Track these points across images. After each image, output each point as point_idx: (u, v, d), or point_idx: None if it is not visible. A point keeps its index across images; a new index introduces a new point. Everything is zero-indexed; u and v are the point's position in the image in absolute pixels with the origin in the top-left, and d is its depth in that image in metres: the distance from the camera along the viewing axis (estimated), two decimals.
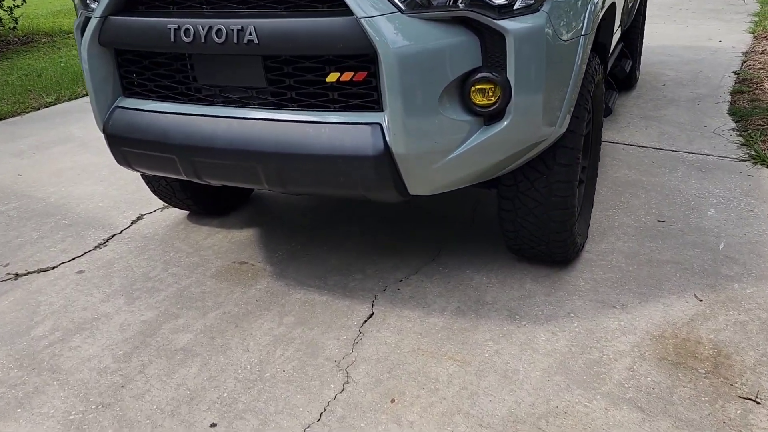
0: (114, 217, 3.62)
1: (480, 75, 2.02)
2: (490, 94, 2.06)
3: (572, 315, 2.46)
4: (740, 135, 4.21)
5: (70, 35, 9.28)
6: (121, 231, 3.46)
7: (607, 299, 2.55)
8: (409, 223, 3.31)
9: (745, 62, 6.06)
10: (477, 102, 2.07)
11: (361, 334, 2.45)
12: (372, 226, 3.31)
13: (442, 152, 2.10)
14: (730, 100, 5.00)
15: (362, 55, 2.03)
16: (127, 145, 2.46)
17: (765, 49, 6.45)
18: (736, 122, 4.48)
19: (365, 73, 2.05)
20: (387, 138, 2.05)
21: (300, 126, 2.13)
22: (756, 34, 7.23)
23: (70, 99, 6.25)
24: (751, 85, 5.31)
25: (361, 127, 2.06)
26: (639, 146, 4.15)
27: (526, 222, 2.52)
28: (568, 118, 2.27)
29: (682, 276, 2.67)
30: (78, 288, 2.92)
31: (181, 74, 2.33)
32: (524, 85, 2.04)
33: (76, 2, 2.63)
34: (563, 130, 2.27)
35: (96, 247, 3.30)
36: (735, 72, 5.75)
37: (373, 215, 3.42)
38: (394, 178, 2.10)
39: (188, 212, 3.61)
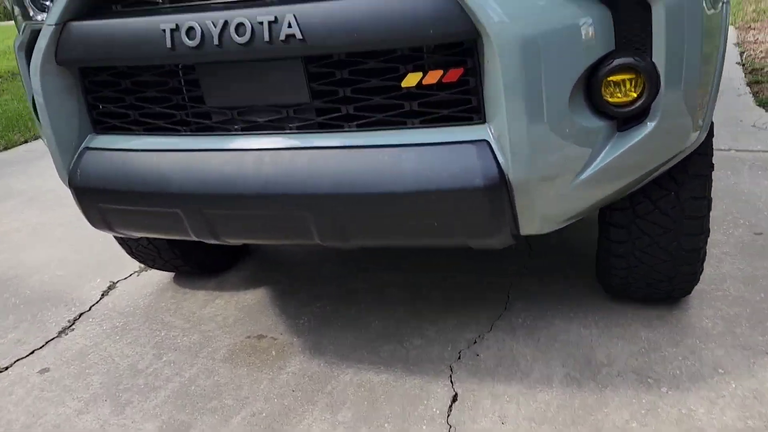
0: (79, 289, 2.87)
1: (616, 62, 1.44)
2: (630, 87, 1.48)
3: (721, 371, 1.88)
4: None
5: None
6: (91, 307, 2.71)
7: (753, 344, 1.98)
8: (451, 260, 2.69)
9: (743, 53, 5.75)
10: (612, 100, 1.48)
11: (451, 428, 1.81)
12: (408, 269, 2.68)
13: (570, 173, 1.50)
14: (750, 91, 4.62)
15: (455, 45, 1.43)
16: (105, 200, 1.76)
17: (757, 39, 6.18)
18: None
19: (460, 70, 1.44)
20: (499, 159, 1.43)
21: (368, 153, 1.49)
22: (737, 26, 7.01)
23: (6, 148, 5.41)
24: (764, 75, 4.96)
25: (460, 147, 1.44)
26: None
27: (645, 255, 1.93)
28: (711, 115, 1.71)
29: None
30: (43, 395, 2.16)
31: (181, 95, 1.67)
32: (677, 72, 1.47)
33: (16, 13, 1.94)
34: (706, 132, 1.71)
35: (60, 332, 2.55)
36: (738, 63, 5.43)
37: (403, 253, 2.79)
38: (510, 216, 1.49)
39: (174, 273, 2.89)
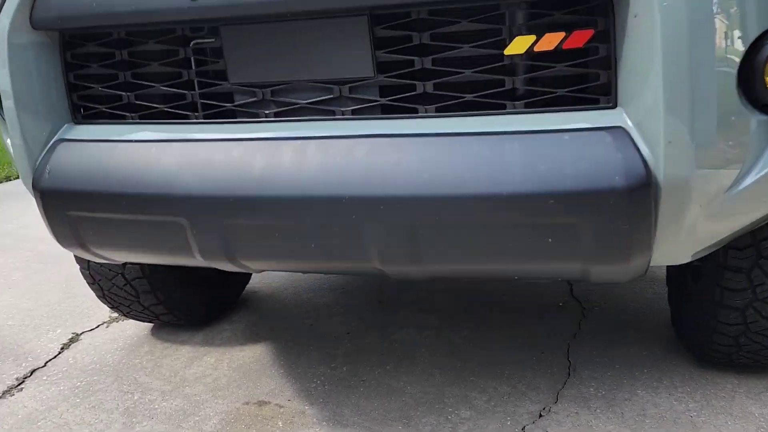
0: (33, 341, 2.35)
1: None
2: None
3: None
4: None
5: None
6: (46, 363, 2.19)
7: None
8: (488, 312, 2.25)
9: None
10: None
11: None
12: (434, 325, 2.23)
13: (726, 181, 1.12)
14: None
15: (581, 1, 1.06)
16: (81, 206, 1.31)
17: None
18: None
19: (589, 32, 1.07)
20: (644, 153, 1.04)
21: (457, 143, 1.08)
22: None
23: None
24: None
25: (589, 135, 1.05)
26: None
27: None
28: None
29: None
30: None
31: (193, 69, 1.26)
32: None
33: None
34: None
35: (5, 392, 2.02)
36: None
37: (425, 300, 2.35)
38: (652, 233, 1.08)
39: (152, 324, 2.40)
